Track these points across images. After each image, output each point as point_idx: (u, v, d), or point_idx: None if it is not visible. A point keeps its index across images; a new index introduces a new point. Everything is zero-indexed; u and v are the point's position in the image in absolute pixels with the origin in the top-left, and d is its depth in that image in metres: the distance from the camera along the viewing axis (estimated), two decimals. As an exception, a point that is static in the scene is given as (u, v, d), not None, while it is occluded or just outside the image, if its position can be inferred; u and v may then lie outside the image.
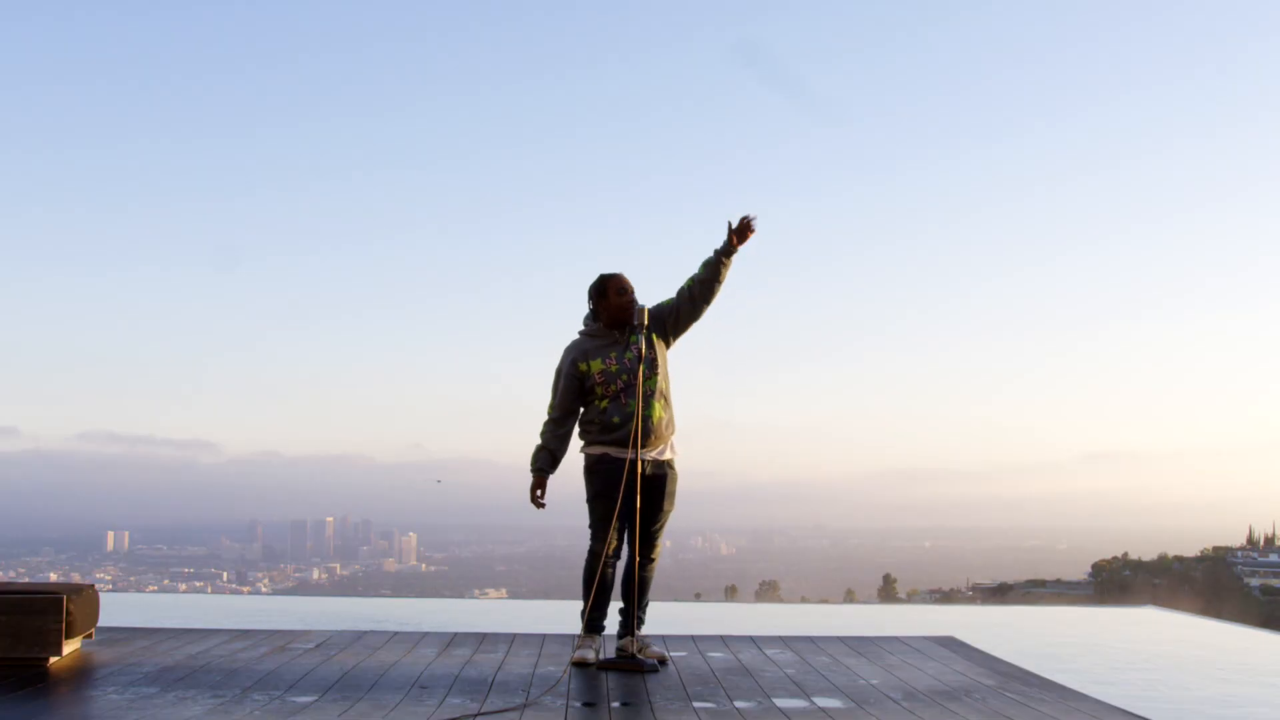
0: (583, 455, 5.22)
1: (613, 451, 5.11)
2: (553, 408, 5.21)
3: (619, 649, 5.10)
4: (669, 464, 5.21)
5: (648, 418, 5.08)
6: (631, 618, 5.13)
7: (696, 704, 4.27)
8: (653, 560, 5.23)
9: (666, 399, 5.20)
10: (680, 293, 5.23)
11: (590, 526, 5.18)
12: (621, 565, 5.20)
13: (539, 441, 5.21)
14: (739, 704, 4.29)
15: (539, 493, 5.18)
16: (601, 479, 5.11)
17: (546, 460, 5.19)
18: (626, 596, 5.18)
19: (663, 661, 5.16)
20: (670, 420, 5.21)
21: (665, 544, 5.29)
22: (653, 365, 5.12)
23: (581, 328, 5.26)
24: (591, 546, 5.17)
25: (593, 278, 5.22)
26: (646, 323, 5.07)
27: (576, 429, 5.24)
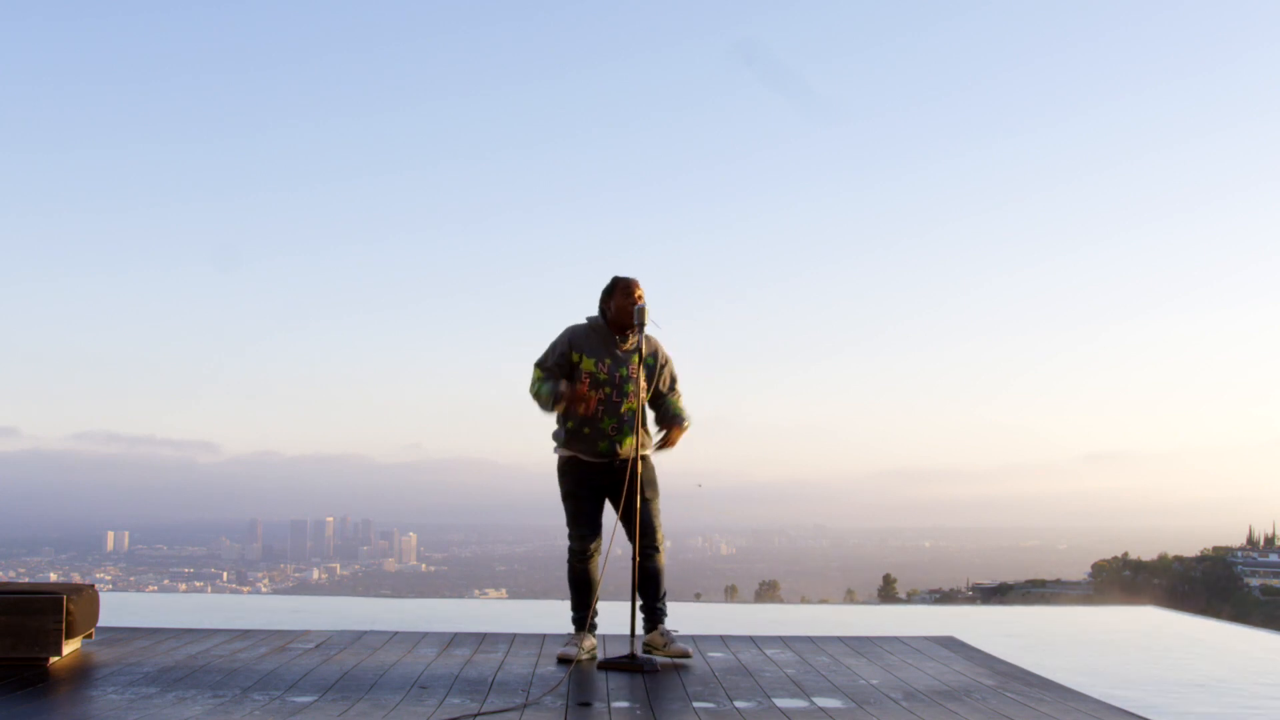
0: (556, 455, 5.26)
1: (582, 455, 5.17)
2: (543, 362, 5.16)
3: (646, 643, 5.18)
4: (642, 457, 5.20)
5: (618, 441, 5.13)
6: (651, 612, 5.21)
7: (696, 704, 4.27)
8: (656, 550, 5.21)
9: (644, 422, 5.21)
10: (664, 398, 5.26)
11: (567, 525, 5.24)
12: (629, 564, 5.22)
13: (537, 385, 5.12)
14: (739, 704, 4.29)
15: (577, 387, 5.03)
16: (571, 480, 5.20)
17: (554, 384, 5.07)
18: (642, 593, 5.19)
19: (687, 655, 5.20)
20: (644, 439, 5.20)
21: (667, 544, 5.29)
22: (638, 383, 5.11)
23: (592, 314, 5.26)
24: (569, 545, 5.24)
25: (591, 276, 5.28)
26: (646, 322, 5.05)
27: (552, 422, 5.24)
